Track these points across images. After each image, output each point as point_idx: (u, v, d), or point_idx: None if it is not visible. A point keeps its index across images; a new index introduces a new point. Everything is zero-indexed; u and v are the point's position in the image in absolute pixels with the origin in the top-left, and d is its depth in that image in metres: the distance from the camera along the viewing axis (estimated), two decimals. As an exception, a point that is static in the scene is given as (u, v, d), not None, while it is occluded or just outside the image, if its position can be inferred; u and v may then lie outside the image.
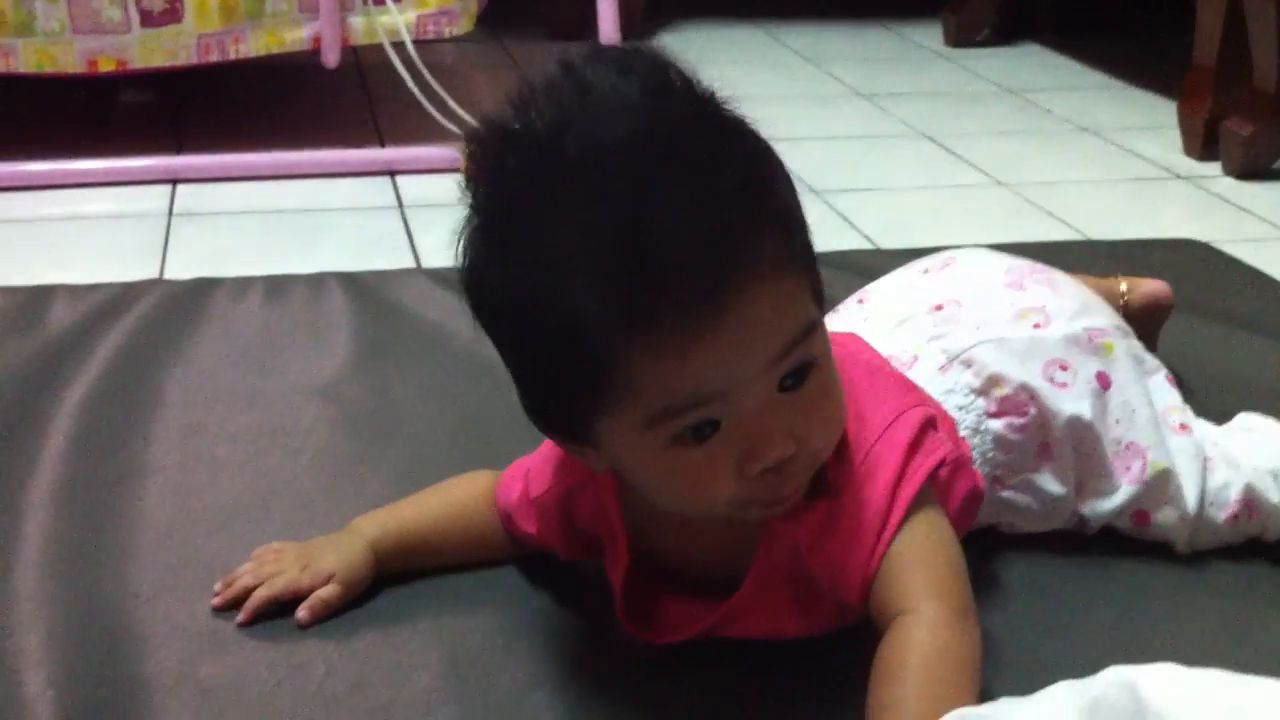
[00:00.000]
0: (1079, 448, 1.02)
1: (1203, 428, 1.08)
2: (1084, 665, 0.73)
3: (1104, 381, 1.03)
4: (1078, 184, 2.01)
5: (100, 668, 0.91)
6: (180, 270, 1.62)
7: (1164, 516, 1.03)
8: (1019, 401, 1.00)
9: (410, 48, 1.98)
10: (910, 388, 0.96)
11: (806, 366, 0.80)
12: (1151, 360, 1.09)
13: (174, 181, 1.93)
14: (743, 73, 2.55)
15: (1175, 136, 2.13)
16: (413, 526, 1.01)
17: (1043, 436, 1.01)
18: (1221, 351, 1.39)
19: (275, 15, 1.93)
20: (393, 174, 1.98)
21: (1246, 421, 1.13)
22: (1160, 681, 0.66)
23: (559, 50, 0.80)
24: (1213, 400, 1.18)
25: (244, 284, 1.55)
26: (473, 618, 0.97)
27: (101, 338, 1.40)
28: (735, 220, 0.76)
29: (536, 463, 0.97)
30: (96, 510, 1.10)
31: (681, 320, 0.75)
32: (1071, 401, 1.01)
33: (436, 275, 1.56)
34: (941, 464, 0.89)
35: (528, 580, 1.02)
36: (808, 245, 0.82)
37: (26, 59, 1.87)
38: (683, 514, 0.86)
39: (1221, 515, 1.04)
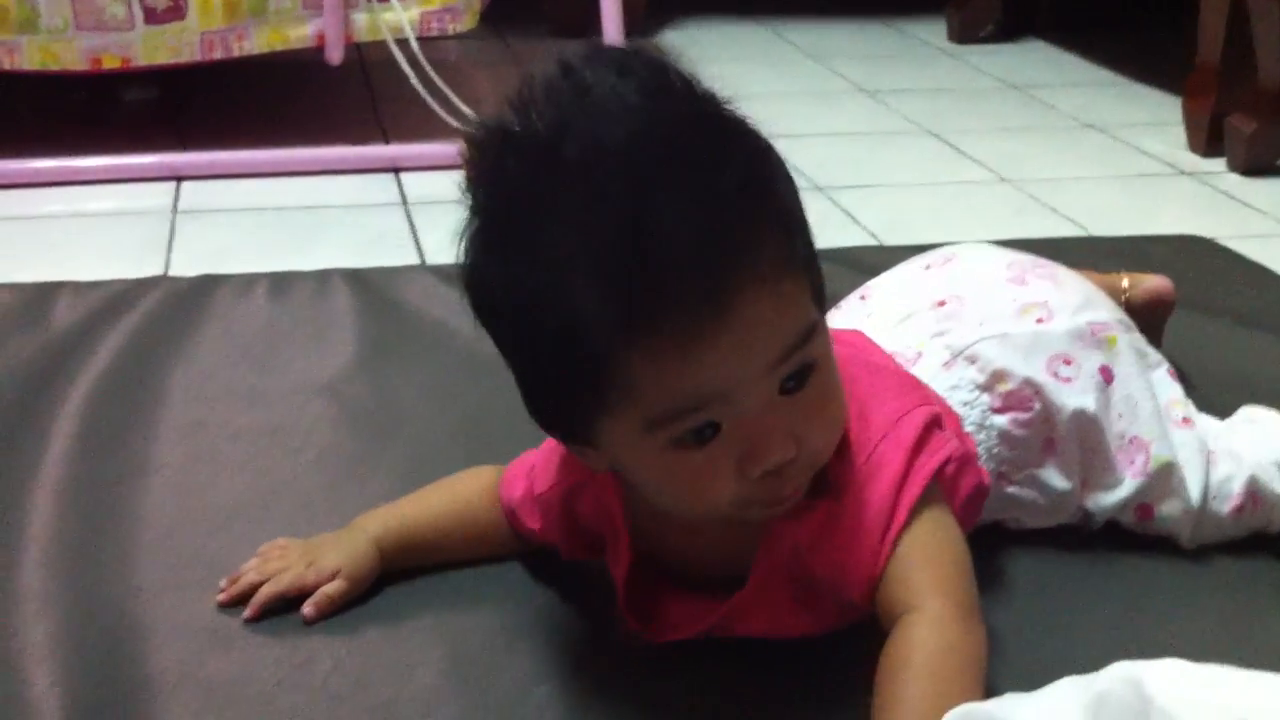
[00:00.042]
0: (1083, 442, 1.02)
1: (1205, 422, 1.08)
2: (1089, 661, 0.73)
3: (1107, 375, 1.03)
4: (1082, 180, 2.01)
5: (104, 665, 0.91)
6: (184, 267, 1.62)
7: (1168, 510, 1.03)
8: (1023, 396, 1.00)
9: (414, 44, 1.98)
10: (915, 386, 0.96)
11: (807, 368, 0.80)
12: (1154, 354, 1.09)
13: (178, 179, 1.93)
14: (746, 70, 2.55)
15: (1180, 133, 2.13)
16: (416, 523, 1.02)
17: (1047, 431, 1.01)
18: (1225, 348, 1.39)
19: (279, 12, 1.93)
20: (396, 171, 1.98)
21: (1249, 414, 1.13)
22: (1165, 677, 0.66)
23: (559, 50, 0.80)
24: (1217, 396, 1.18)
25: (248, 281, 1.55)
26: (475, 615, 0.97)
27: (105, 335, 1.40)
28: (735, 222, 0.76)
29: (540, 459, 0.97)
30: (100, 508, 1.10)
31: (681, 324, 0.75)
32: (1076, 396, 1.01)
33: (440, 272, 1.56)
34: (946, 462, 0.89)
35: (530, 578, 1.02)
36: (809, 246, 0.82)
37: (30, 57, 1.87)
38: (684, 514, 0.86)
39: (1225, 508, 1.04)
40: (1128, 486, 1.03)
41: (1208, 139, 2.06)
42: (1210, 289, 1.52)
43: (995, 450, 1.00)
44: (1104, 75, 2.60)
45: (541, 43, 2.69)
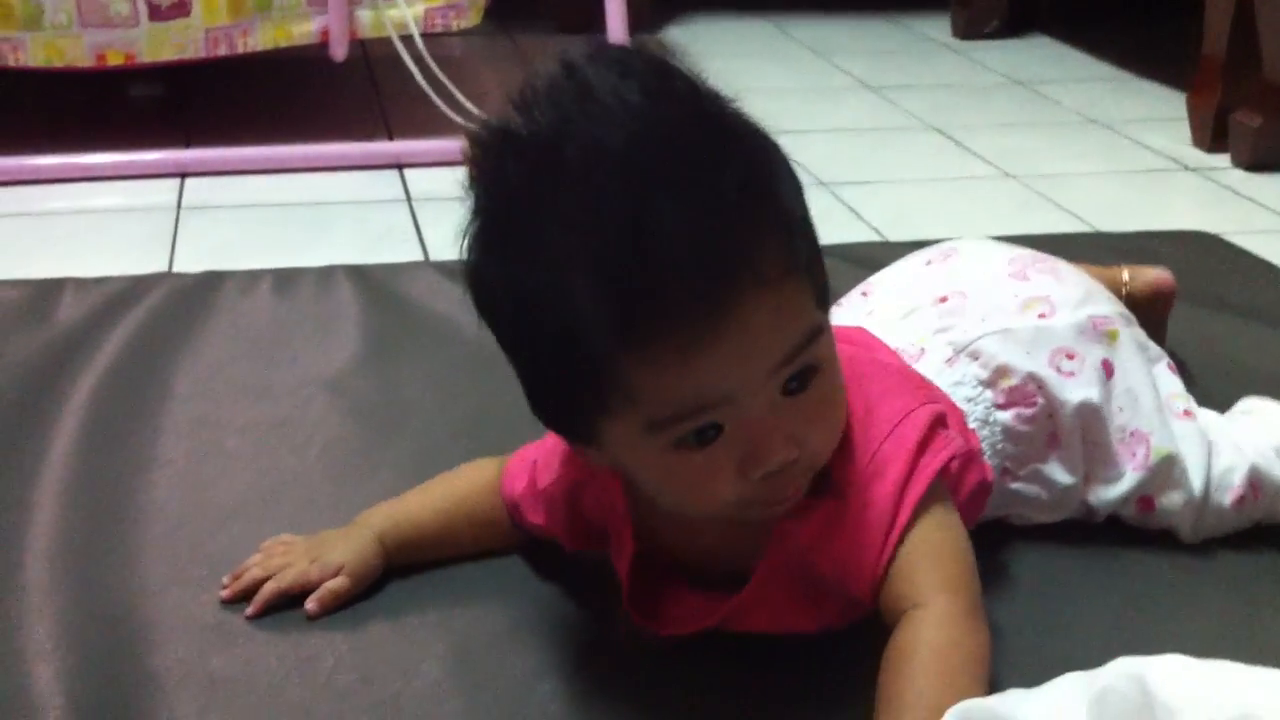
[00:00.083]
0: (1086, 435, 1.02)
1: (1206, 415, 1.08)
2: (1091, 657, 0.73)
3: (1107, 369, 1.03)
4: (1086, 176, 2.01)
5: (109, 660, 0.91)
6: (189, 263, 1.62)
7: (1169, 502, 1.03)
8: (1027, 392, 1.00)
9: (418, 41, 1.98)
10: (920, 384, 0.96)
11: (810, 370, 0.80)
12: (1154, 348, 1.09)
13: (182, 175, 1.93)
14: (750, 66, 2.55)
15: (1184, 128, 2.13)
16: (419, 518, 1.02)
17: (1051, 426, 1.01)
18: (1230, 343, 1.39)
19: (283, 9, 1.94)
20: (400, 167, 1.98)
21: (1248, 405, 1.13)
22: (1168, 673, 0.66)
23: (562, 48, 0.79)
24: (1222, 391, 1.18)
25: (252, 277, 1.55)
26: (479, 611, 0.97)
27: (110, 331, 1.40)
28: (736, 225, 0.75)
29: (543, 453, 0.97)
30: (105, 503, 1.10)
31: (681, 329, 0.74)
32: (1079, 389, 1.01)
33: (445, 268, 1.56)
34: (951, 460, 0.88)
35: (534, 574, 1.02)
36: (813, 248, 0.81)
37: (34, 53, 1.87)
38: (686, 513, 0.86)
39: (1227, 499, 1.04)
40: (1129, 479, 1.03)
41: (1212, 134, 2.06)
42: (1215, 285, 1.52)
43: (999, 446, 1.00)
44: (1108, 71, 2.59)
45: (546, 39, 2.69)
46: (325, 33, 1.95)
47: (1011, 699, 0.71)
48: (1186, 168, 2.03)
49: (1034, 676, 0.74)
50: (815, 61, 2.65)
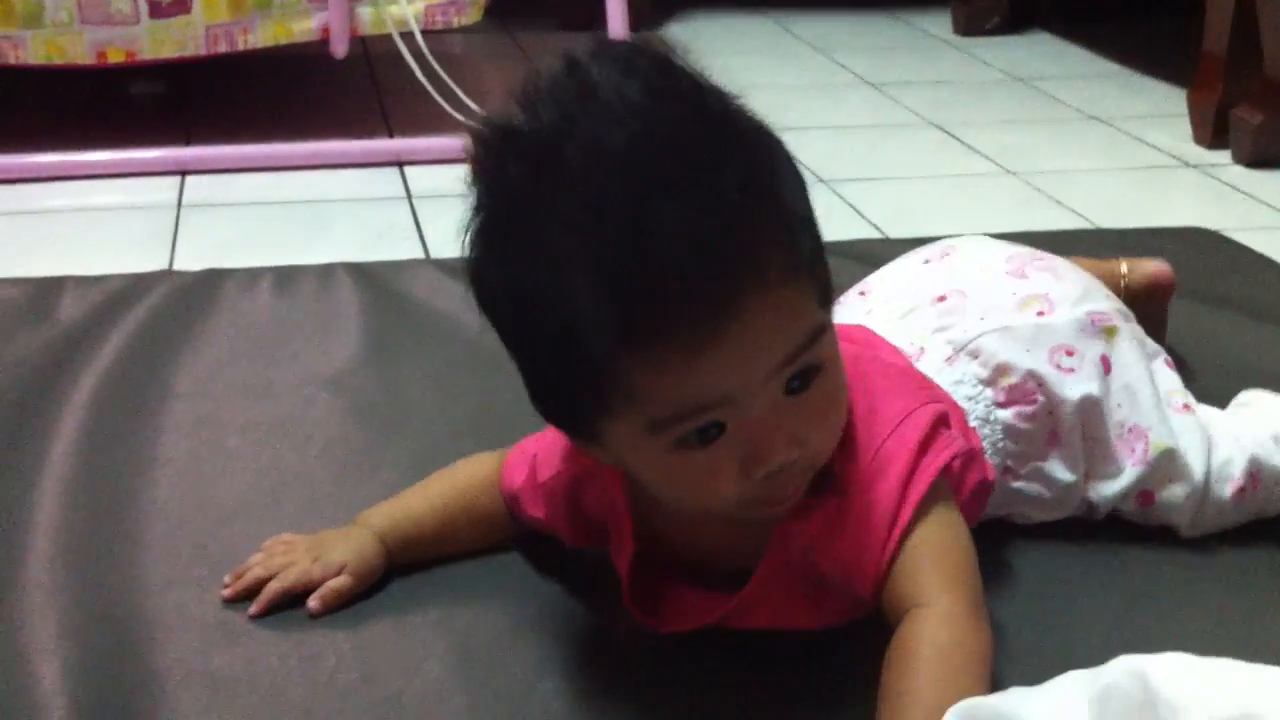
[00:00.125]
0: (1087, 432, 1.02)
1: (1205, 410, 1.09)
2: (1093, 655, 0.73)
3: (1106, 365, 1.03)
4: (1087, 173, 2.01)
5: (111, 658, 0.92)
6: (189, 261, 1.62)
7: (1168, 495, 1.03)
8: (1027, 390, 1.00)
9: (419, 38, 1.98)
10: (923, 384, 0.96)
11: (812, 370, 0.80)
12: (1151, 344, 1.10)
13: (183, 173, 1.93)
14: (750, 62, 2.55)
15: (1185, 125, 2.13)
16: (420, 515, 1.02)
17: (1051, 424, 1.01)
18: (1231, 339, 1.38)
19: (283, 6, 1.94)
20: (401, 164, 1.98)
21: (1245, 397, 1.14)
22: (1170, 670, 0.66)
23: (565, 45, 0.79)
24: (1222, 387, 1.18)
25: (253, 275, 1.55)
26: (481, 609, 0.97)
27: (111, 329, 1.40)
28: (736, 227, 0.75)
29: (543, 447, 0.97)
30: (106, 502, 1.10)
31: (683, 331, 0.74)
32: (1079, 385, 1.01)
33: (445, 266, 1.56)
34: (953, 459, 0.88)
35: (536, 572, 1.02)
36: (816, 247, 0.81)
37: (35, 51, 1.87)
38: (687, 510, 0.86)
39: (1227, 491, 1.04)
40: (1129, 475, 1.03)
41: (1213, 131, 2.06)
42: (1215, 281, 1.52)
43: (1000, 444, 1.00)
44: (1109, 67, 2.59)
45: (547, 36, 2.69)
46: (326, 30, 1.95)
47: (1014, 697, 0.71)
48: (1187, 164, 2.03)
49: (1036, 675, 0.74)
50: (816, 58, 2.65)
